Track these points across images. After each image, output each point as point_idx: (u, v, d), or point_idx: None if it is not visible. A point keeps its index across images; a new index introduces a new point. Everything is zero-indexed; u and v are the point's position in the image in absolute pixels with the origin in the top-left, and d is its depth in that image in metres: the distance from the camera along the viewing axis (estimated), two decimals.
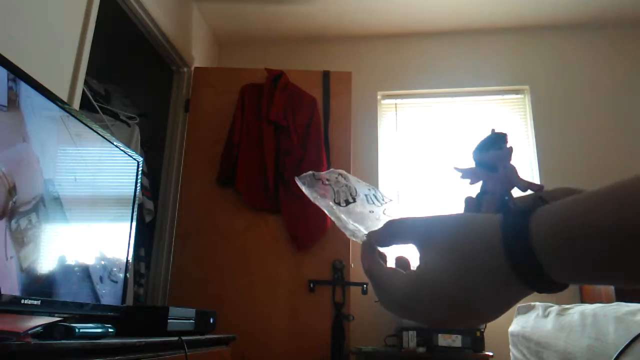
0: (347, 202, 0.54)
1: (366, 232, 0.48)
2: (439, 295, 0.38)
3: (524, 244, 0.35)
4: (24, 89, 1.12)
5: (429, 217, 0.42)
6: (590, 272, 0.34)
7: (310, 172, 0.56)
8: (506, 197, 0.40)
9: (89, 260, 1.40)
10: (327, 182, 0.55)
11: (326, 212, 0.54)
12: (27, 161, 1.13)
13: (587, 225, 0.33)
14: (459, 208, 0.49)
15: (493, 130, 0.57)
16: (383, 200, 0.58)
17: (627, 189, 0.32)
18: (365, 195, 0.57)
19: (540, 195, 0.39)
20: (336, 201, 0.54)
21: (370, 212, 0.55)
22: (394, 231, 0.45)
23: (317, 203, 0.54)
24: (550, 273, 0.35)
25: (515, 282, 0.36)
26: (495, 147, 0.56)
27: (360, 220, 0.53)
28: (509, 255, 0.36)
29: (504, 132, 0.57)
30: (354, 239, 0.53)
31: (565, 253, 0.33)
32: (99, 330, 1.17)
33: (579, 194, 0.34)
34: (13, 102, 1.08)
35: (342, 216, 0.53)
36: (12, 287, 1.06)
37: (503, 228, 0.37)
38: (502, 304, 0.38)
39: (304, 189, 0.55)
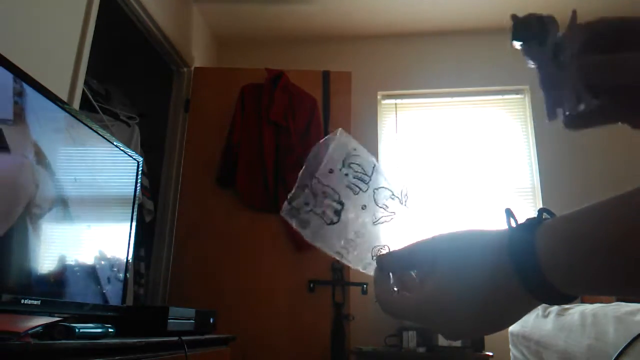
0: (337, 212, 0.53)
1: (373, 261, 0.48)
2: (449, 314, 0.39)
3: (531, 259, 0.35)
4: (25, 88, 1.12)
5: (433, 240, 0.43)
6: (596, 286, 0.34)
7: (285, 202, 0.53)
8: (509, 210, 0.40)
9: (90, 260, 1.40)
10: (308, 209, 0.53)
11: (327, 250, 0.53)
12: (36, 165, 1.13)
13: (590, 241, 0.33)
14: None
15: (514, 17, 0.52)
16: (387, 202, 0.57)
17: (627, 204, 0.32)
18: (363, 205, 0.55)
19: (546, 209, 0.39)
20: (328, 221, 0.52)
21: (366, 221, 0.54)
22: (400, 260, 0.46)
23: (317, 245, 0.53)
24: (559, 287, 0.35)
25: (524, 296, 0.37)
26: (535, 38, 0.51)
27: (360, 234, 0.53)
28: (517, 272, 0.36)
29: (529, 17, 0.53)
30: (363, 271, 0.52)
31: (572, 268, 0.34)
32: (99, 330, 1.17)
33: (584, 207, 0.35)
34: (18, 115, 1.08)
35: (348, 255, 0.52)
36: (17, 287, 1.06)
37: (510, 245, 0.37)
38: (511, 317, 0.39)
39: (293, 225, 0.53)
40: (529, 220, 0.38)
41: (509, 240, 0.37)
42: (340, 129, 0.56)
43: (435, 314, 0.40)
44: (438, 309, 0.40)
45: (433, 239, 0.43)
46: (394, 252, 0.47)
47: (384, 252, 0.50)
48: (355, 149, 0.56)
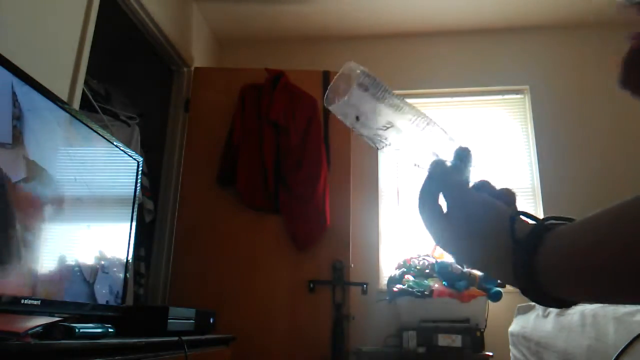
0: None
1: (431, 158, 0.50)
2: (457, 255, 0.48)
3: (531, 280, 0.38)
4: (25, 89, 1.12)
5: (475, 199, 0.48)
6: (594, 299, 0.37)
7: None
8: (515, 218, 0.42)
9: (90, 260, 1.40)
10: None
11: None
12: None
13: (590, 260, 0.34)
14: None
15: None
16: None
17: (628, 223, 0.33)
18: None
19: (550, 217, 0.41)
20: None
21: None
22: (445, 182, 0.50)
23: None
24: (557, 294, 0.37)
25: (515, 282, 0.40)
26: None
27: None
28: (517, 279, 0.40)
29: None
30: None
31: (572, 284, 0.35)
32: (99, 330, 1.17)
33: (584, 220, 0.36)
34: (18, 116, 1.08)
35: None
36: (19, 288, 1.06)
37: (514, 257, 0.40)
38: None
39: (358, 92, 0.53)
40: (532, 234, 0.39)
41: (513, 252, 0.40)
42: (346, 68, 0.55)
43: (448, 247, 0.48)
44: (451, 246, 0.48)
45: (476, 197, 0.48)
46: (450, 171, 0.50)
47: (438, 159, 0.52)
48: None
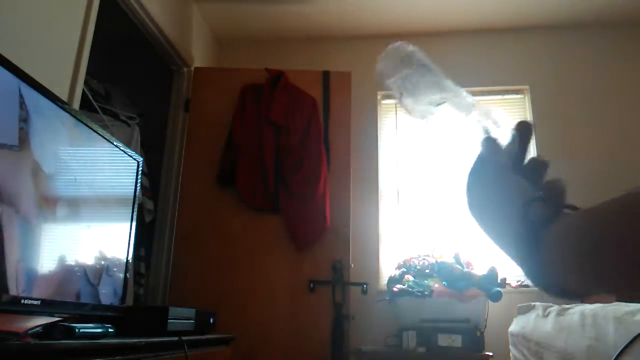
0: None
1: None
2: (480, 222, 0.53)
3: (536, 260, 0.39)
4: (28, 91, 1.12)
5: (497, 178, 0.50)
6: (598, 289, 0.39)
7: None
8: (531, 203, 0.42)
9: (90, 260, 1.40)
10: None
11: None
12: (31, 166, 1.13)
13: (592, 252, 0.34)
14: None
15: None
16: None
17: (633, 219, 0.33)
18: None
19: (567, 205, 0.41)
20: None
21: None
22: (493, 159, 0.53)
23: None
24: (564, 284, 0.38)
25: None
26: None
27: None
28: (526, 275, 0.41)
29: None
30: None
31: (575, 273, 0.36)
32: (99, 330, 1.17)
33: (587, 210, 0.36)
34: (23, 140, 1.08)
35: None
36: (19, 288, 1.06)
37: (524, 235, 0.41)
38: None
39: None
40: (539, 222, 0.39)
41: (522, 238, 0.41)
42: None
43: (476, 217, 0.54)
44: (478, 217, 0.53)
45: (509, 183, 0.49)
46: (499, 151, 0.52)
47: (490, 136, 0.54)
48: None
